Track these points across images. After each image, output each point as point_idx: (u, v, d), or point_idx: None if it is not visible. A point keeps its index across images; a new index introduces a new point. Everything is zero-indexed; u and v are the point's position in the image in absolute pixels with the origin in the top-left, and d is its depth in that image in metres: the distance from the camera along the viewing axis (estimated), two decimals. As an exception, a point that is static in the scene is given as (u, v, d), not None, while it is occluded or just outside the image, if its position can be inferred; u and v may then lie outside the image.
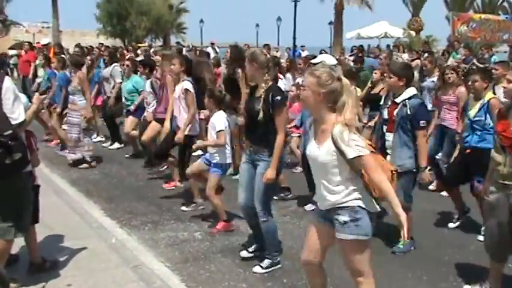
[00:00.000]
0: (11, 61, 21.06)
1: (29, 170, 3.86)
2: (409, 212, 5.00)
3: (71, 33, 57.78)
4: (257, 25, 46.08)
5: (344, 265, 3.43)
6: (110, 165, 8.61)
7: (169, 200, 6.66)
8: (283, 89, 6.01)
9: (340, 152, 3.07)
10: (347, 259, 3.28)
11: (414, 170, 4.95)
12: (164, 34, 45.03)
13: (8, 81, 3.57)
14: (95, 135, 10.27)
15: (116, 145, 9.95)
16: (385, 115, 5.13)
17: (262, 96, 4.41)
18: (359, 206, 3.15)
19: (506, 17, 12.64)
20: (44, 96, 4.25)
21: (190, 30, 48.83)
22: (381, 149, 4.93)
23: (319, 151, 3.20)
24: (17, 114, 3.59)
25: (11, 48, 24.03)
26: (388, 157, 4.85)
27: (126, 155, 9.14)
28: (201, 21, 45.93)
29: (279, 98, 4.35)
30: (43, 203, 4.44)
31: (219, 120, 5.55)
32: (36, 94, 4.11)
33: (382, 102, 5.42)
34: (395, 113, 4.96)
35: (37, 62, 12.84)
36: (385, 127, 5.12)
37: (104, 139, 10.51)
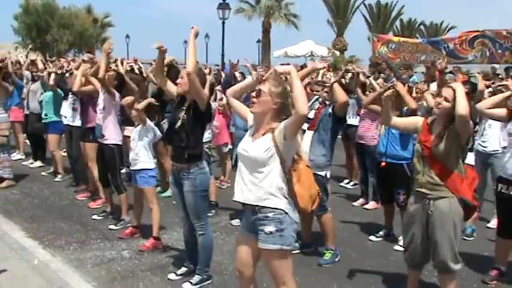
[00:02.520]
0: None
1: None
2: (326, 220, 5.21)
3: (-15, 46, 54.93)
4: (185, 41, 46.00)
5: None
6: (31, 184, 8.27)
7: (96, 219, 6.49)
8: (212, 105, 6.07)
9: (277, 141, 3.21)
10: (272, 269, 3.36)
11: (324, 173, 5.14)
12: (89, 49, 43.84)
13: None
14: (15, 153, 9.83)
15: (38, 163, 9.55)
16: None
17: (186, 106, 4.45)
18: (282, 210, 3.25)
19: (423, 40, 13.56)
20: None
21: (116, 45, 47.83)
22: None
23: (252, 145, 3.32)
24: None
25: None
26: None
27: (44, 173, 8.82)
28: (127, 36, 45.32)
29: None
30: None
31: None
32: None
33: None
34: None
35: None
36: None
37: (24, 157, 10.06)
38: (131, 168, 5.73)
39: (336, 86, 5.16)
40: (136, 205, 5.84)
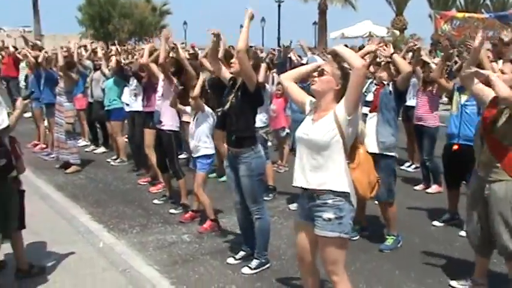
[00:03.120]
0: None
1: (14, 175, 3.84)
2: (391, 207, 5.08)
3: (52, 37, 57.27)
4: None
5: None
6: (96, 169, 8.56)
7: (157, 203, 6.64)
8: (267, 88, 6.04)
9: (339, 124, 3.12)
10: (326, 257, 3.28)
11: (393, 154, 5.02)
12: (147, 37, 44.85)
13: None
14: (81, 140, 10.21)
15: (102, 149, 9.90)
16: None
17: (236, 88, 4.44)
18: (345, 193, 3.15)
19: (490, 15, 12.77)
20: (28, 101, 4.21)
21: (174, 32, 48.63)
22: None
23: (313, 127, 3.23)
24: (0, 119, 3.57)
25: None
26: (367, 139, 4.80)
27: (110, 160, 9.10)
28: (185, 23, 45.88)
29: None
30: (29, 209, 4.41)
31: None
32: (20, 99, 4.09)
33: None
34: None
35: (22, 64, 12.78)
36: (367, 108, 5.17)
37: (89, 143, 10.44)
38: (193, 155, 5.79)
39: (397, 56, 4.97)
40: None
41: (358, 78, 3.07)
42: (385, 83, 5.12)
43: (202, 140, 5.62)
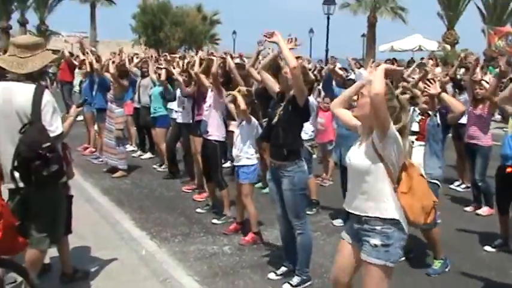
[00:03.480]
0: (50, 70, 21.52)
1: (64, 181, 3.92)
2: (433, 230, 4.88)
3: (107, 43, 59.16)
4: (289, 35, 46.05)
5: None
6: (141, 175, 8.70)
7: (200, 212, 6.66)
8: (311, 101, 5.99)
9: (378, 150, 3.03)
10: (367, 284, 3.13)
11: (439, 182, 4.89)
12: (197, 45, 45.57)
13: (47, 95, 3.64)
14: (128, 145, 10.41)
15: (148, 155, 10.06)
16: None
17: (285, 101, 4.41)
18: (394, 220, 3.04)
19: (547, 31, 12.28)
20: (81, 108, 4.30)
21: (223, 41, 49.21)
22: None
23: (355, 152, 3.17)
24: (55, 126, 3.64)
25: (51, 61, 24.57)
26: None
27: (155, 166, 9.21)
28: (234, 32, 46.29)
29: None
30: (75, 212, 4.48)
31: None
32: (74, 106, 4.18)
33: None
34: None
35: (77, 70, 13.22)
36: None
37: (136, 148, 10.63)
38: (235, 163, 5.79)
39: (446, 96, 4.81)
40: (238, 201, 5.89)
41: (376, 105, 2.89)
42: (431, 113, 4.98)
43: (244, 150, 5.61)
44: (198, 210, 6.71)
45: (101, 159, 9.25)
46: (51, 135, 3.62)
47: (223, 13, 45.79)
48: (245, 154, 5.62)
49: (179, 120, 8.01)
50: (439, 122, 4.88)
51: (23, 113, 3.59)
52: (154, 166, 9.20)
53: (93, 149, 10.14)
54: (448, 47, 29.25)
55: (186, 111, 7.69)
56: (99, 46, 47.47)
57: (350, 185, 3.25)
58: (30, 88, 3.62)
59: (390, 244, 3.04)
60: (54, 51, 4.75)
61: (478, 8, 37.41)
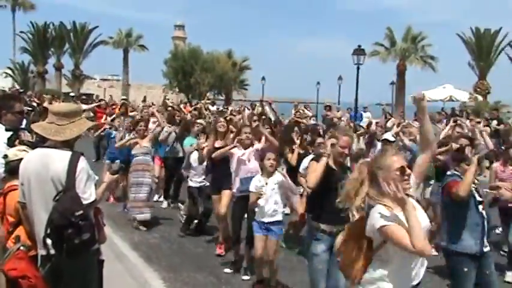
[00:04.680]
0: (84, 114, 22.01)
1: (96, 248, 3.86)
2: None
3: (138, 87, 60.80)
4: (318, 83, 46.46)
5: None
6: (170, 227, 8.60)
7: (228, 270, 6.52)
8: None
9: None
10: None
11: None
12: (226, 90, 46.24)
13: (82, 161, 3.64)
14: (156, 196, 10.41)
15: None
16: None
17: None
18: None
19: None
20: (117, 176, 4.29)
21: (252, 86, 49.86)
22: None
23: None
24: (89, 194, 3.62)
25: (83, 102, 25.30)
26: None
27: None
28: (263, 78, 46.95)
29: None
30: (105, 270, 4.38)
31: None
32: (108, 174, 4.17)
33: None
34: None
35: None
36: None
37: (162, 199, 10.58)
38: (266, 219, 5.65)
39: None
40: (262, 258, 5.74)
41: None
42: None
43: (280, 205, 5.60)
44: (227, 270, 6.55)
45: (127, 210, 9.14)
46: (84, 202, 3.59)
47: (252, 58, 46.45)
48: (280, 209, 5.56)
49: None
50: None
51: (58, 180, 3.59)
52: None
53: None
54: (480, 97, 28.91)
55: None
56: (130, 89, 48.83)
57: None
58: (66, 155, 3.63)
59: None
60: (91, 118, 4.81)
61: (510, 58, 37.15)
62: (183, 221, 8.39)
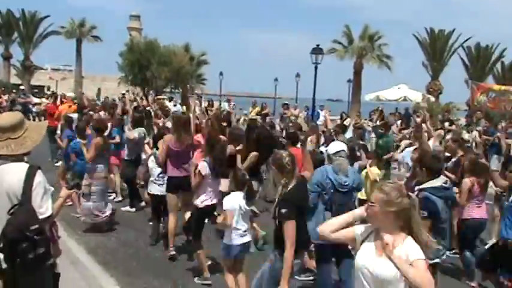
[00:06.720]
0: (34, 109, 21.36)
1: (50, 262, 3.72)
2: None
3: (92, 78, 59.25)
4: (276, 79, 46.63)
5: None
6: (128, 231, 8.42)
7: (185, 274, 6.49)
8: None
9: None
10: None
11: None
12: (183, 84, 45.64)
13: (39, 176, 3.50)
14: (113, 196, 10.19)
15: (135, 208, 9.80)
16: None
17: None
18: None
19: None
20: (73, 191, 4.15)
21: (210, 81, 49.53)
22: None
23: (381, 262, 2.96)
24: (45, 208, 3.50)
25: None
26: None
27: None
28: (221, 73, 46.75)
29: (283, 211, 4.26)
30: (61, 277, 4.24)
31: (230, 199, 5.44)
32: (64, 188, 4.02)
33: None
34: None
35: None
36: None
37: (121, 199, 10.34)
38: (242, 241, 5.49)
39: None
40: (231, 273, 5.70)
41: None
42: None
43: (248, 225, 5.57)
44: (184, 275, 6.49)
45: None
46: (40, 217, 3.46)
47: (210, 53, 46.04)
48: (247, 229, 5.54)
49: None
50: None
51: (13, 193, 3.45)
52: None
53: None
54: (432, 98, 29.71)
55: None
56: (84, 81, 47.56)
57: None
58: (22, 168, 3.49)
59: None
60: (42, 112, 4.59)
61: (462, 59, 38.45)
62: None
